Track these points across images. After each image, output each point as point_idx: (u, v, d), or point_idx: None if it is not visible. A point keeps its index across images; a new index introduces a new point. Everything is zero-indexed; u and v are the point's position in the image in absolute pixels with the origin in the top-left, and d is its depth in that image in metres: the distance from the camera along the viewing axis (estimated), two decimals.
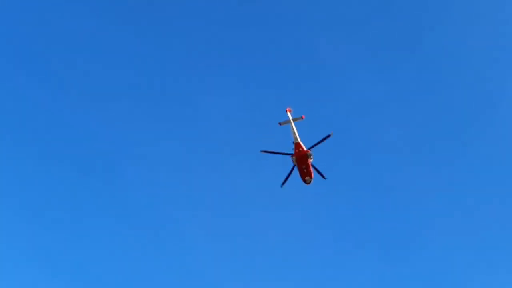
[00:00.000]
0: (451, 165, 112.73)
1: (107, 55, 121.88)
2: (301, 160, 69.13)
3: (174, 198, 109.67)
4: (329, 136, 67.13)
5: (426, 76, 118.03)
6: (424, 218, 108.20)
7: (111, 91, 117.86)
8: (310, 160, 69.20)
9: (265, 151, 67.94)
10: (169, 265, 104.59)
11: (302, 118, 67.30)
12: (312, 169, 69.68)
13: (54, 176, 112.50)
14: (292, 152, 69.01)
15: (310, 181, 70.47)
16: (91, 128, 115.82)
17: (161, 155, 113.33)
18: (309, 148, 68.21)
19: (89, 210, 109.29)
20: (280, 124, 67.51)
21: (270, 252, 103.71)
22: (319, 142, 67.68)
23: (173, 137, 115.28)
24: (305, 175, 70.06)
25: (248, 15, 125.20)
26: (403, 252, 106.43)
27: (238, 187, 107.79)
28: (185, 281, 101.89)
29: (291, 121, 67.22)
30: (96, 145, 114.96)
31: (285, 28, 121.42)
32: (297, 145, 68.55)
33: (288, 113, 67.23)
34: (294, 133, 68.03)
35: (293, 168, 69.03)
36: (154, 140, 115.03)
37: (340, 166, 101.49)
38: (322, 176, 69.21)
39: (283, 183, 69.17)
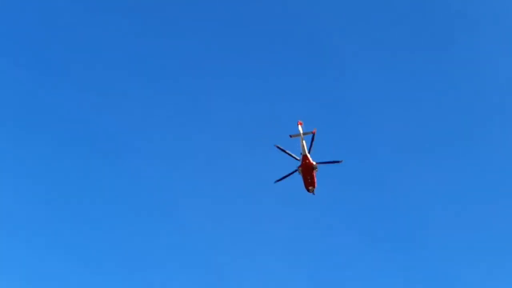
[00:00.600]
0: (454, 163, 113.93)
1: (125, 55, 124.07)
2: (307, 171, 70.32)
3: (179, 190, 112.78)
4: (339, 162, 68.36)
5: (432, 75, 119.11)
6: (427, 216, 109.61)
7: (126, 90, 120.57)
8: (315, 172, 69.47)
9: (279, 147, 68.29)
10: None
11: (313, 132, 66.71)
12: (316, 180, 70.54)
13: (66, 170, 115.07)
14: (300, 162, 69.41)
15: (313, 191, 71.57)
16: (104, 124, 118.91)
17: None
18: (317, 163, 68.14)
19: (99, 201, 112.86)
20: (290, 136, 68.04)
21: (274, 241, 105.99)
22: (327, 162, 68.78)
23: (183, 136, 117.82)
24: (309, 184, 71.24)
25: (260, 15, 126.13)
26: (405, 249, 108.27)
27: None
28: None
29: (301, 134, 66.90)
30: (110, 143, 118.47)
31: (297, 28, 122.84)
32: (305, 157, 69.72)
33: (299, 127, 66.91)
34: (303, 145, 68.66)
35: (293, 172, 69.77)
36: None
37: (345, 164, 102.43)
38: (338, 161, 69.52)
39: (279, 180, 69.91)
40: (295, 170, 69.19)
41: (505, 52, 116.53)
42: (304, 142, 67.43)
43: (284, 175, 69.47)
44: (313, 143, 67.42)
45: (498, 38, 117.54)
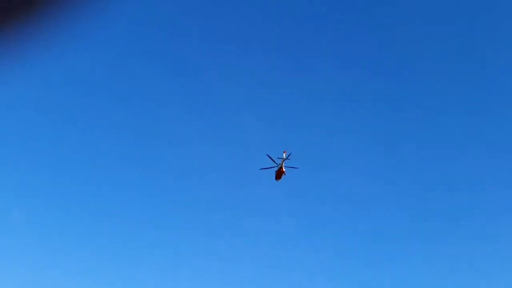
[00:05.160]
0: None
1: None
2: (279, 174, 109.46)
3: None
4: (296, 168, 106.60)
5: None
6: None
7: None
8: (283, 175, 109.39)
9: (269, 156, 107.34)
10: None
11: (288, 159, 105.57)
12: (282, 177, 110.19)
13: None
14: (277, 167, 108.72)
15: (278, 181, 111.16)
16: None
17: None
18: (285, 159, 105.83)
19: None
20: (278, 158, 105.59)
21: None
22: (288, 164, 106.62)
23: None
24: (277, 178, 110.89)
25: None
26: None
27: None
28: None
29: (284, 158, 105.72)
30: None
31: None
32: (281, 167, 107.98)
33: (284, 154, 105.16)
34: (282, 163, 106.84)
35: (272, 167, 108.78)
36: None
37: None
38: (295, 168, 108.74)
39: (263, 168, 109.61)
40: (273, 167, 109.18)
41: None
42: (283, 162, 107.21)
43: (267, 167, 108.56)
44: (290, 165, 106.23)
45: None
